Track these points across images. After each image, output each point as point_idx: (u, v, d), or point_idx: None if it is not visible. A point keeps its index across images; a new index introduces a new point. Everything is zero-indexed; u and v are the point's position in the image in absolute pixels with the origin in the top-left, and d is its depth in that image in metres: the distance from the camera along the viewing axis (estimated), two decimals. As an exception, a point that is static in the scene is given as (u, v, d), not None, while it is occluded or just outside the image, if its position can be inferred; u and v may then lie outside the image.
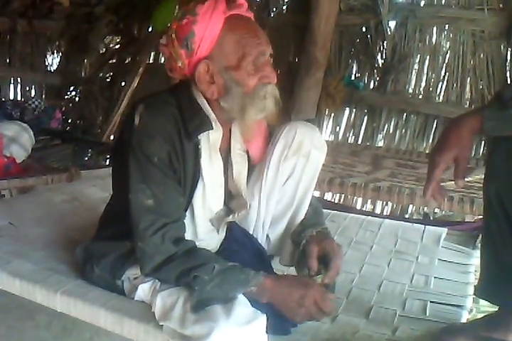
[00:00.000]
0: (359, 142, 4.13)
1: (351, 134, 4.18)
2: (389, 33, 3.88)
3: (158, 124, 1.41)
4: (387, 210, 3.79)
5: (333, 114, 4.21)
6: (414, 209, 3.69)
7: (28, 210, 2.11)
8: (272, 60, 1.46)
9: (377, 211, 3.76)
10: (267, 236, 1.63)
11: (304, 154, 1.54)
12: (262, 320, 1.26)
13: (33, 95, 5.10)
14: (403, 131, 3.98)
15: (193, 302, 1.33)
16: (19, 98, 5.12)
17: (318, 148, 1.56)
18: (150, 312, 1.38)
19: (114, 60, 5.06)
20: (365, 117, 4.12)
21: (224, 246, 1.60)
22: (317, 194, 3.47)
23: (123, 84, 4.85)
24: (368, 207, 3.81)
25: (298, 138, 1.53)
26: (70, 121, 4.94)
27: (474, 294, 1.52)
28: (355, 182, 2.81)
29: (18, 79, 5.17)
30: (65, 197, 2.32)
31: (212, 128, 1.46)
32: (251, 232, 1.63)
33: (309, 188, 1.59)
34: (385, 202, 3.60)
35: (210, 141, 1.48)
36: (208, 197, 1.51)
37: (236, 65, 1.40)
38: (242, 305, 1.31)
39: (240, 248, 1.58)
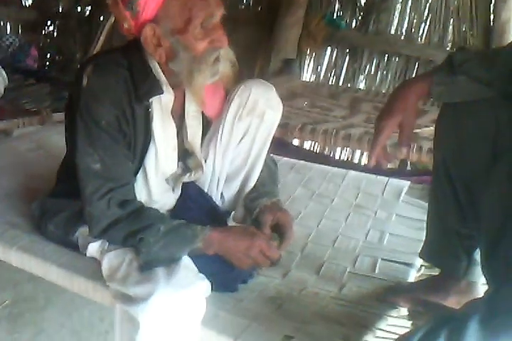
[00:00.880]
0: (340, 83, 4.05)
1: (332, 75, 4.09)
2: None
3: (107, 86, 1.38)
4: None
5: (314, 54, 4.10)
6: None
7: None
8: (221, 22, 1.39)
9: (356, 160, 3.74)
10: (222, 194, 1.64)
11: (258, 114, 1.52)
12: (202, 284, 1.28)
13: (7, 31, 4.91)
14: (384, 72, 3.90)
15: (139, 264, 1.35)
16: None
17: (273, 108, 1.54)
18: (99, 270, 1.41)
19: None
20: (347, 58, 4.02)
21: (178, 204, 1.60)
22: (296, 142, 3.46)
23: (101, 18, 4.68)
24: (347, 155, 3.79)
25: (252, 98, 1.51)
26: (46, 58, 4.80)
27: (419, 255, 1.54)
28: (327, 128, 2.76)
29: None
30: (30, 145, 2.30)
31: (162, 92, 1.43)
32: (206, 190, 1.63)
33: (263, 148, 1.59)
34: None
35: (161, 105, 1.45)
36: (161, 160, 1.50)
37: (183, 28, 1.34)
38: (185, 267, 1.33)
39: (195, 205, 1.59)
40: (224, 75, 1.43)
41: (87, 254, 1.48)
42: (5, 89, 3.57)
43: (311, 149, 3.73)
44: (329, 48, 4.06)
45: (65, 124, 1.56)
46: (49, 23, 4.94)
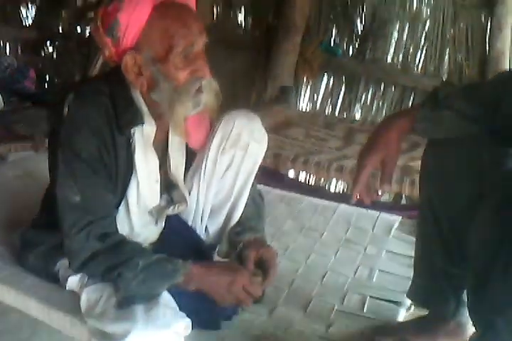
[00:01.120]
0: (336, 113, 4.04)
1: (328, 104, 4.09)
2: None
3: (87, 116, 1.35)
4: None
5: (310, 82, 4.10)
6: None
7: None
8: (203, 52, 1.37)
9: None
10: (206, 227, 1.61)
11: (241, 147, 1.50)
12: (181, 323, 1.24)
13: (6, 52, 4.92)
14: (380, 102, 3.90)
15: (117, 300, 1.31)
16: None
17: (258, 140, 1.51)
18: (78, 304, 1.37)
19: (92, 15, 4.88)
20: (343, 86, 4.01)
21: (162, 237, 1.57)
22: (291, 173, 3.43)
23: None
24: (342, 187, 3.74)
25: (236, 130, 1.48)
26: (45, 80, 4.80)
27: (406, 295, 1.51)
28: (319, 160, 2.74)
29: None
30: (18, 172, 2.26)
31: (143, 123, 1.40)
32: (190, 223, 1.60)
33: (248, 181, 1.55)
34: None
35: (143, 135, 1.43)
36: (143, 192, 1.47)
37: (163, 57, 1.31)
38: (165, 305, 1.29)
39: (178, 239, 1.56)
40: (208, 106, 1.41)
41: (67, 287, 1.45)
42: (0, 111, 3.57)
43: (307, 181, 3.69)
44: (326, 76, 4.05)
45: (48, 153, 1.54)
46: (48, 43, 4.94)
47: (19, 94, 4.02)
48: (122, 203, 1.47)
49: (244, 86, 4.29)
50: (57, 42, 4.94)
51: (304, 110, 4.10)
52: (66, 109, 1.36)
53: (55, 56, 4.97)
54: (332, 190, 3.69)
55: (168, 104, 1.36)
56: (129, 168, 1.43)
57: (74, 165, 1.36)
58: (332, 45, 3.99)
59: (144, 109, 1.41)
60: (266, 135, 1.55)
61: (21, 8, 4.99)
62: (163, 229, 1.57)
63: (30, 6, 5.00)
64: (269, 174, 2.77)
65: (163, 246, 1.53)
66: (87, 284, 1.41)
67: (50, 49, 4.99)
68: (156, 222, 1.55)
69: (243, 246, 1.49)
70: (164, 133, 1.49)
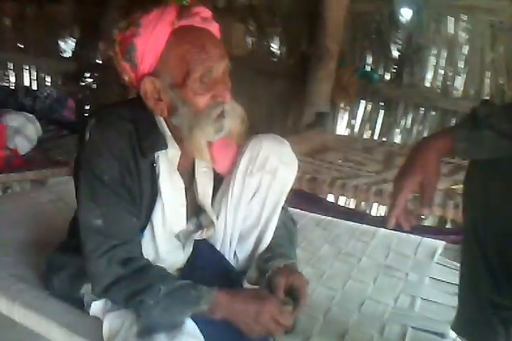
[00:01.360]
0: (374, 137, 3.97)
1: (366, 128, 4.02)
2: (403, 22, 3.68)
3: (109, 140, 1.31)
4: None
5: (347, 107, 4.05)
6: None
7: (9, 210, 2.06)
8: (226, 75, 1.32)
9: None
10: (235, 253, 1.53)
11: (269, 170, 1.42)
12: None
13: (46, 82, 5.04)
14: (420, 126, 3.80)
15: (139, 328, 1.25)
16: (33, 86, 5.08)
17: (287, 164, 1.44)
18: (101, 331, 1.31)
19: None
20: (381, 111, 3.95)
21: (190, 262, 1.50)
22: (331, 197, 3.33)
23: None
24: (382, 212, 3.64)
25: (263, 154, 1.41)
26: (84, 109, 4.89)
27: (451, 327, 1.39)
28: (357, 184, 2.65)
29: (32, 66, 5.12)
30: (51, 196, 2.25)
31: (166, 147, 1.36)
32: (218, 248, 1.53)
33: (277, 206, 1.47)
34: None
35: (168, 160, 1.38)
36: (168, 216, 1.41)
37: (181, 82, 1.27)
38: (188, 334, 1.21)
39: (206, 264, 1.49)
40: (233, 132, 1.36)
41: (91, 313, 1.39)
42: (39, 139, 3.63)
43: (345, 205, 3.59)
44: (363, 101, 4.00)
45: (73, 178, 1.51)
46: (87, 74, 5.05)
47: (57, 123, 4.10)
48: (147, 227, 1.42)
49: (280, 113, 4.29)
50: (95, 73, 5.05)
51: (341, 134, 4.03)
52: (88, 134, 1.33)
53: (94, 86, 5.07)
54: (373, 213, 3.58)
55: (187, 129, 1.31)
56: (153, 192, 1.38)
57: (96, 188, 1.32)
58: (368, 70, 3.96)
59: (168, 133, 1.36)
60: (295, 159, 1.47)
61: (60, 41, 5.14)
62: (191, 254, 1.51)
63: (69, 38, 5.14)
64: (306, 198, 2.69)
65: (191, 272, 1.46)
66: (110, 310, 1.35)
67: (89, 80, 5.09)
68: (183, 247, 1.49)
69: (272, 273, 1.40)
70: (190, 158, 1.44)
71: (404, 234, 2.06)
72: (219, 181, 1.50)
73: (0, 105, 4.01)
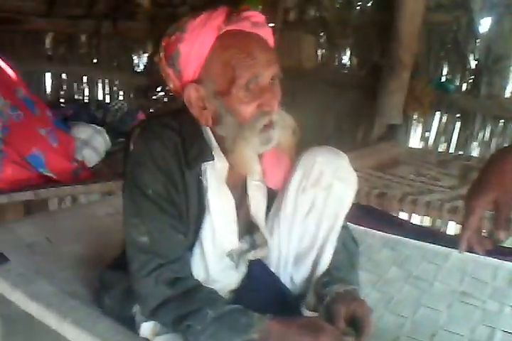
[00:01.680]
0: (450, 150, 3.77)
1: (441, 141, 3.82)
2: (482, 31, 3.49)
3: (153, 151, 1.24)
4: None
5: (421, 119, 3.87)
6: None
7: (68, 224, 2.04)
8: (275, 83, 1.23)
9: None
10: (292, 277, 1.43)
11: (324, 187, 1.32)
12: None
13: (119, 96, 5.15)
14: (500, 139, 3.57)
15: (187, 354, 1.17)
16: (106, 99, 5.20)
17: (343, 179, 1.32)
18: (150, 354, 1.25)
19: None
20: (457, 123, 3.74)
21: (243, 284, 1.42)
22: (402, 215, 3.16)
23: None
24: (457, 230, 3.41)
25: (317, 168, 1.31)
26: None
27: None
28: (430, 200, 2.48)
29: (106, 80, 5.25)
30: (109, 209, 2.22)
31: (212, 159, 1.28)
32: (274, 270, 1.43)
33: (334, 225, 1.36)
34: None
35: (216, 172, 1.30)
36: (218, 233, 1.33)
37: (225, 90, 1.19)
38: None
39: (261, 287, 1.39)
40: (282, 144, 1.27)
41: (140, 334, 1.32)
42: (107, 151, 3.67)
43: (418, 223, 3.39)
44: (438, 113, 3.81)
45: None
46: (159, 88, 5.11)
47: (127, 136, 4.13)
48: (196, 245, 1.34)
49: (350, 125, 4.18)
50: (167, 87, 5.09)
51: (414, 147, 3.85)
52: (132, 145, 1.28)
53: (165, 100, 5.13)
54: (448, 232, 3.36)
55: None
56: (201, 207, 1.31)
57: (140, 203, 1.25)
58: (443, 81, 3.77)
59: (214, 144, 1.29)
60: (354, 173, 1.35)
61: (134, 55, 5.24)
62: (245, 275, 1.42)
63: (142, 54, 5.24)
64: (375, 214, 2.55)
65: (245, 294, 1.38)
66: (160, 333, 1.28)
67: (161, 93, 5.16)
68: (237, 267, 1.40)
69: (331, 299, 1.28)
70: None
71: (482, 256, 1.88)
72: (272, 197, 1.41)
73: (73, 118, 4.11)
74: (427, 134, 3.89)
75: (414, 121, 3.91)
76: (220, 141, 1.28)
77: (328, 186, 1.32)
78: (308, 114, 4.42)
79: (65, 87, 4.83)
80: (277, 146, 1.27)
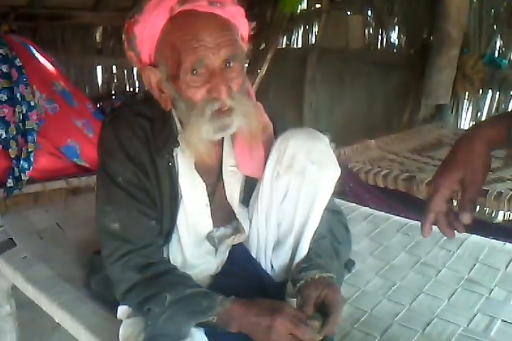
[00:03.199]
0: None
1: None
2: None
3: (123, 140, 1.24)
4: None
5: (471, 98, 3.64)
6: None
7: (80, 210, 2.07)
8: (233, 67, 1.15)
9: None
10: (272, 263, 1.38)
11: (297, 171, 1.25)
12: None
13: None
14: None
15: (145, 337, 1.17)
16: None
17: (317, 162, 1.24)
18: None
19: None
20: (511, 102, 3.49)
21: (223, 269, 1.39)
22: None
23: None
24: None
25: (289, 152, 1.24)
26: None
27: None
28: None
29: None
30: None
31: (177, 145, 1.25)
32: (254, 256, 1.39)
33: (312, 211, 1.28)
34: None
35: (185, 158, 1.28)
36: (191, 217, 1.32)
37: (175, 74, 1.14)
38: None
39: (240, 272, 1.36)
40: (244, 130, 1.21)
41: (118, 317, 1.33)
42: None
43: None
44: (490, 91, 3.57)
45: None
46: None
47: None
48: (174, 231, 1.33)
49: (397, 106, 4.02)
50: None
51: (462, 129, 3.64)
52: (102, 133, 1.28)
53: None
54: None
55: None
56: (174, 193, 1.29)
57: (110, 190, 1.25)
58: (496, 56, 3.53)
59: (180, 129, 1.26)
60: (332, 156, 1.27)
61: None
62: (226, 260, 1.40)
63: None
64: (400, 198, 2.43)
65: (223, 279, 1.36)
66: (130, 316, 1.29)
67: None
68: (218, 252, 1.38)
69: (304, 283, 1.22)
70: (217, 155, 1.33)
71: (501, 242, 1.74)
72: (252, 184, 1.36)
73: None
74: (478, 114, 3.65)
75: (464, 101, 3.69)
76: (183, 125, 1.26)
77: (301, 170, 1.25)
78: (356, 96, 4.29)
79: (115, 80, 4.90)
80: (241, 133, 1.23)
